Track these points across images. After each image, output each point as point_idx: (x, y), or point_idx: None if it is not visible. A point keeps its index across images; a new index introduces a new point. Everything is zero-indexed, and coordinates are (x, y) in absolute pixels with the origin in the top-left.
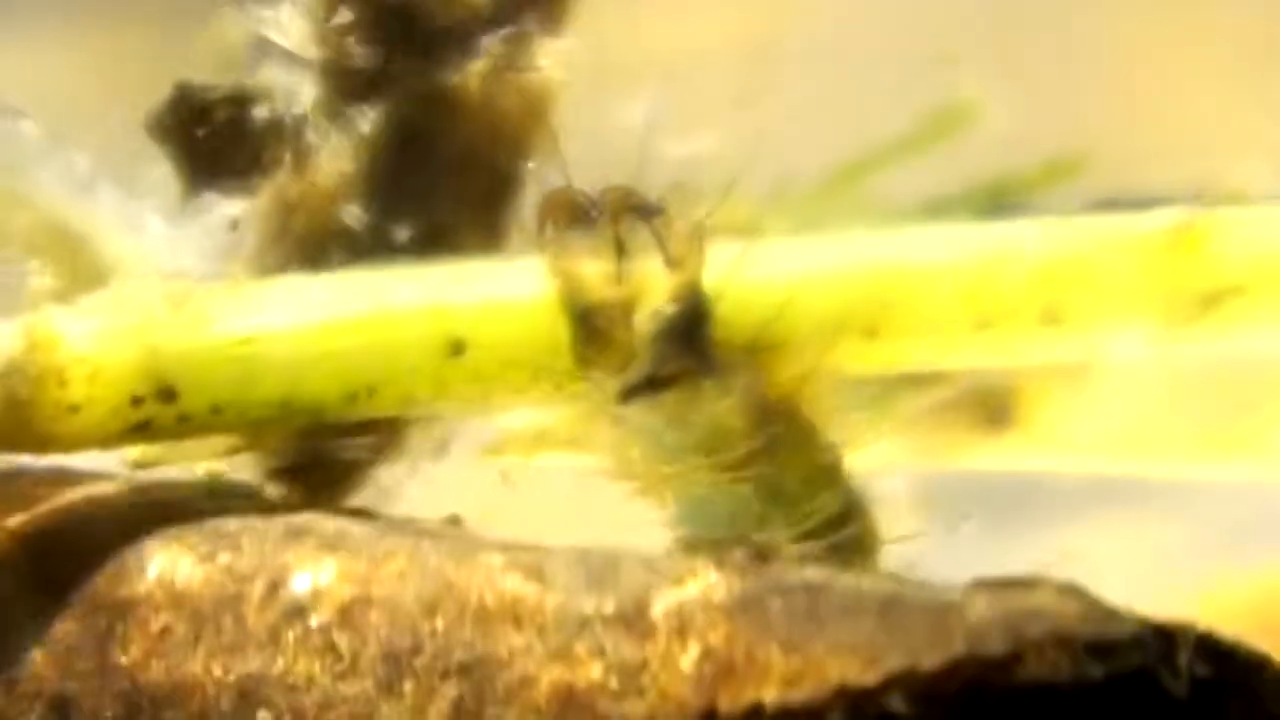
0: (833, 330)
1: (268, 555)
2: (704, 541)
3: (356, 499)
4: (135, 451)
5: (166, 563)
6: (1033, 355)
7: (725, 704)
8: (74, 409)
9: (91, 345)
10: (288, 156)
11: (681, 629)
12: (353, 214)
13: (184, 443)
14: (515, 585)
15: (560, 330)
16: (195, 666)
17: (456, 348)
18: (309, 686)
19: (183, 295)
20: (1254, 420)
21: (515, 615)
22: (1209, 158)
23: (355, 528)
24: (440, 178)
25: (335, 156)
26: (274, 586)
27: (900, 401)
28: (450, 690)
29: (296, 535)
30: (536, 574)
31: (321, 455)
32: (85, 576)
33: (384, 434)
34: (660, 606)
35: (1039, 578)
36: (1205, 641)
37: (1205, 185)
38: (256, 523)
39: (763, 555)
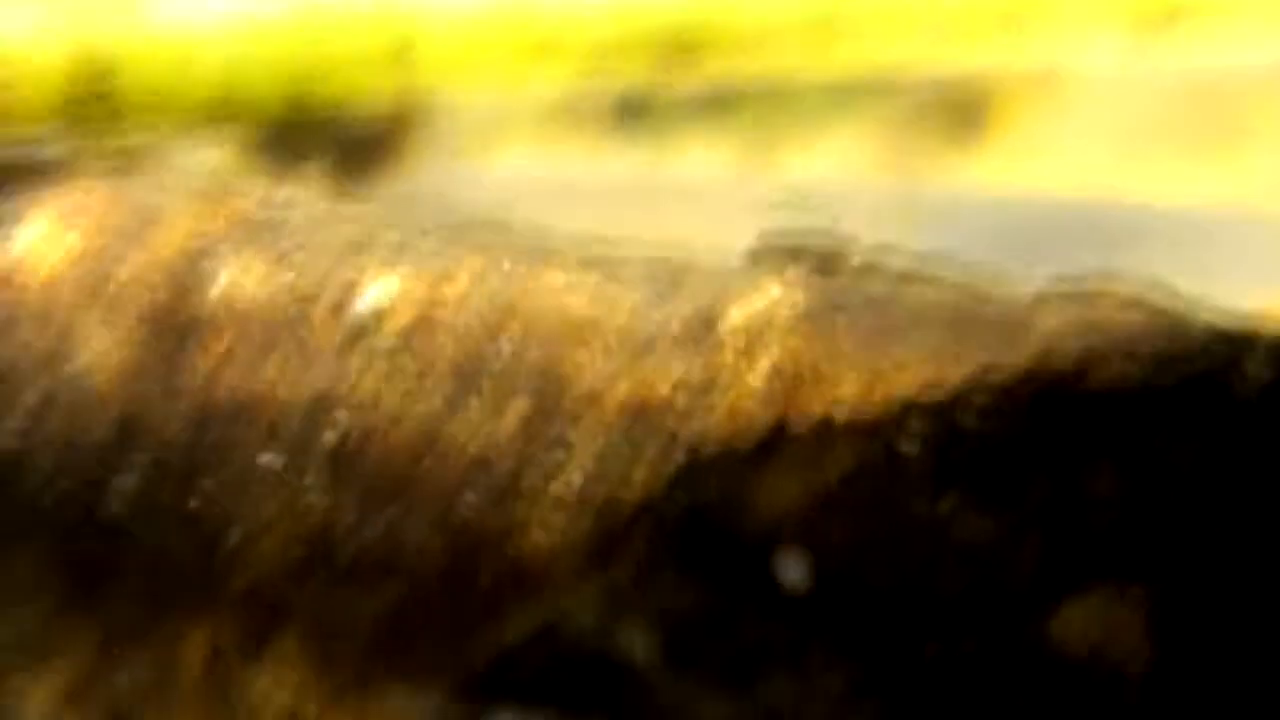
0: (789, 29)
1: (331, 270)
2: (769, 251)
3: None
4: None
5: (230, 279)
6: (996, 60)
7: (795, 418)
8: (5, 87)
9: (27, 30)
10: None
11: (749, 346)
12: None
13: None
14: (582, 305)
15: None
16: (262, 386)
17: (405, 45)
18: (376, 404)
19: None
20: (1236, 143)
21: (582, 335)
22: None
23: (417, 239)
24: None
25: None
26: (338, 306)
27: (862, 107)
28: (519, 405)
29: (359, 248)
30: (603, 292)
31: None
32: (148, 295)
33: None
34: (728, 323)
35: (1105, 288)
36: (1275, 345)
37: None
38: (318, 233)
39: (828, 266)
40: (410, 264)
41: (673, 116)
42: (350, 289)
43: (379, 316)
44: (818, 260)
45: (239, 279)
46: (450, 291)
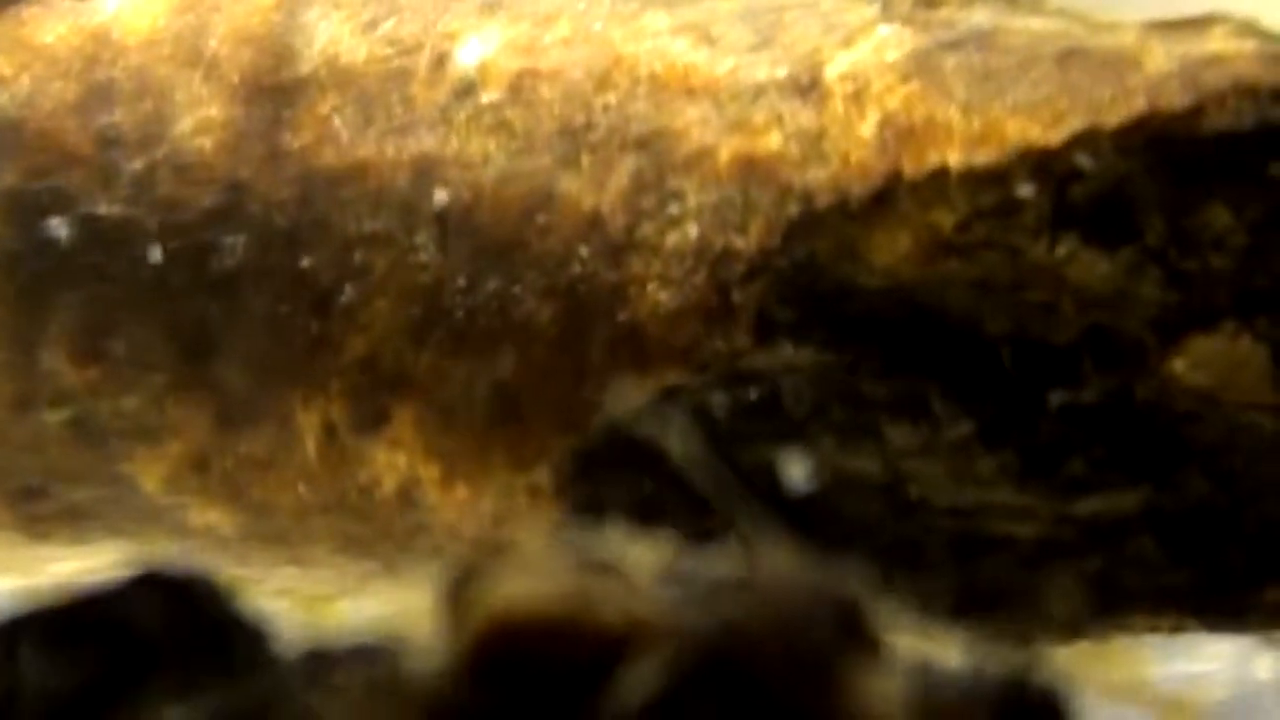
0: None
1: (430, 20)
2: None
3: None
4: None
5: (330, 34)
6: None
7: (909, 168)
8: None
9: None
10: None
11: (858, 94)
12: None
13: None
14: (685, 52)
15: None
16: (368, 148)
17: None
18: (485, 163)
19: None
20: None
21: (689, 86)
22: None
23: None
24: None
25: None
26: (440, 60)
27: None
28: (629, 162)
29: None
30: (705, 37)
31: None
32: (248, 53)
33: None
34: (834, 70)
35: (1213, 16)
36: None
37: None
38: None
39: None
40: (510, 7)
41: None
42: (451, 40)
43: (482, 70)
44: None
45: (338, 33)
46: (553, 37)
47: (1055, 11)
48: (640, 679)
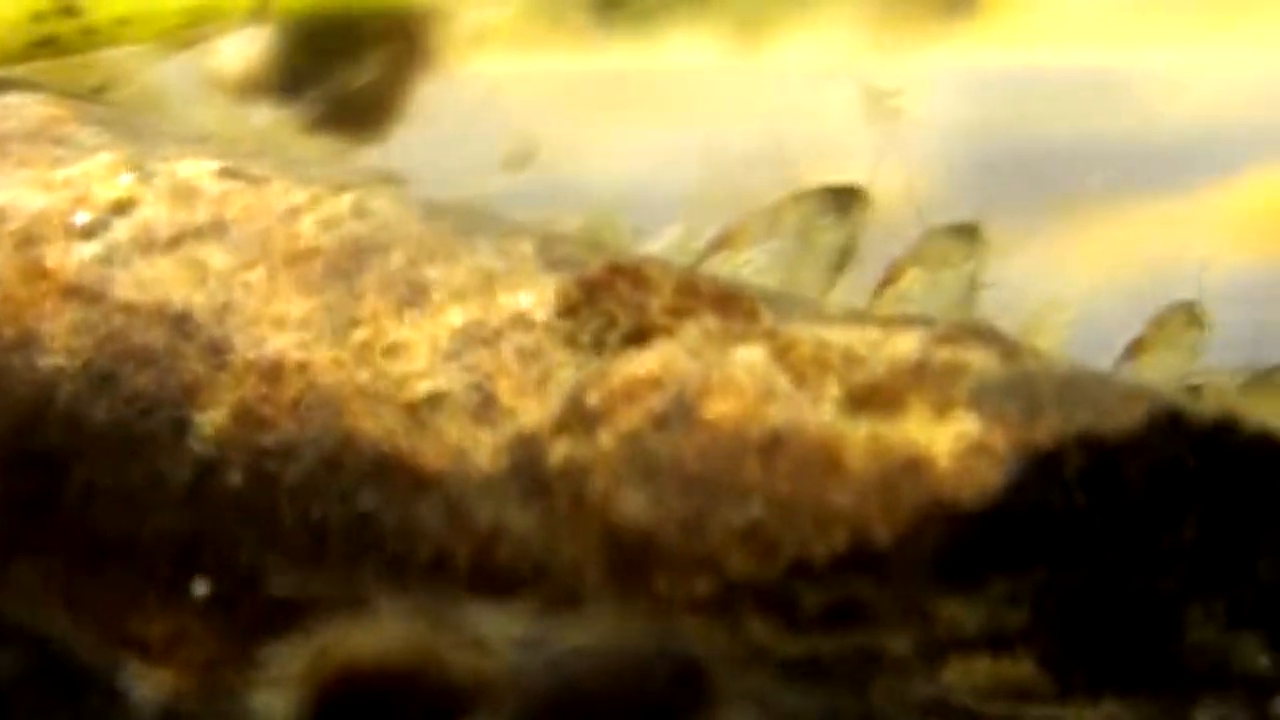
0: None
1: (163, 370)
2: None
3: None
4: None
5: (67, 395)
6: None
7: (592, 587)
8: None
9: None
10: None
11: (579, 498)
12: None
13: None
14: (410, 430)
15: None
16: (126, 528)
17: None
18: (237, 548)
19: None
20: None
21: (417, 476)
22: None
23: (241, 291)
24: None
25: None
26: (179, 427)
27: None
28: (373, 562)
29: (183, 329)
30: (429, 400)
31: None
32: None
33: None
34: (553, 459)
35: (914, 385)
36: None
37: None
38: (144, 295)
39: (639, 333)
40: (237, 350)
41: (652, 5)
42: (189, 399)
43: (219, 443)
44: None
45: (74, 388)
46: (283, 400)
47: (759, 337)
48: None
